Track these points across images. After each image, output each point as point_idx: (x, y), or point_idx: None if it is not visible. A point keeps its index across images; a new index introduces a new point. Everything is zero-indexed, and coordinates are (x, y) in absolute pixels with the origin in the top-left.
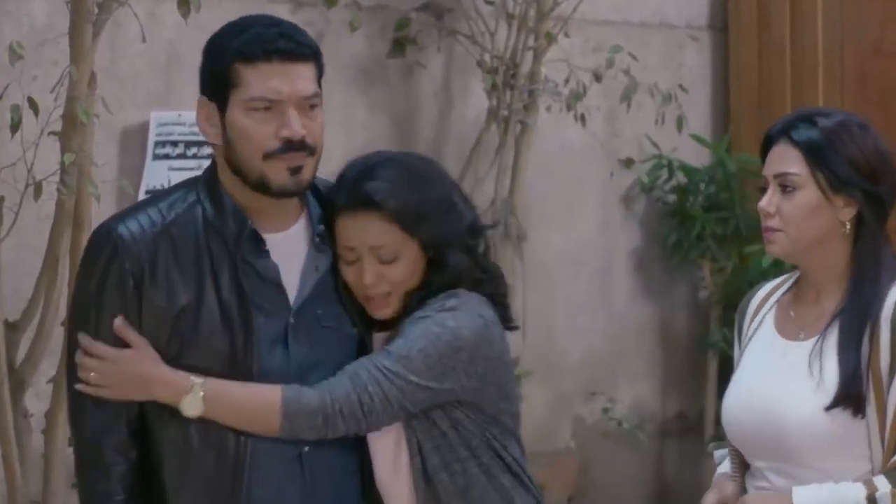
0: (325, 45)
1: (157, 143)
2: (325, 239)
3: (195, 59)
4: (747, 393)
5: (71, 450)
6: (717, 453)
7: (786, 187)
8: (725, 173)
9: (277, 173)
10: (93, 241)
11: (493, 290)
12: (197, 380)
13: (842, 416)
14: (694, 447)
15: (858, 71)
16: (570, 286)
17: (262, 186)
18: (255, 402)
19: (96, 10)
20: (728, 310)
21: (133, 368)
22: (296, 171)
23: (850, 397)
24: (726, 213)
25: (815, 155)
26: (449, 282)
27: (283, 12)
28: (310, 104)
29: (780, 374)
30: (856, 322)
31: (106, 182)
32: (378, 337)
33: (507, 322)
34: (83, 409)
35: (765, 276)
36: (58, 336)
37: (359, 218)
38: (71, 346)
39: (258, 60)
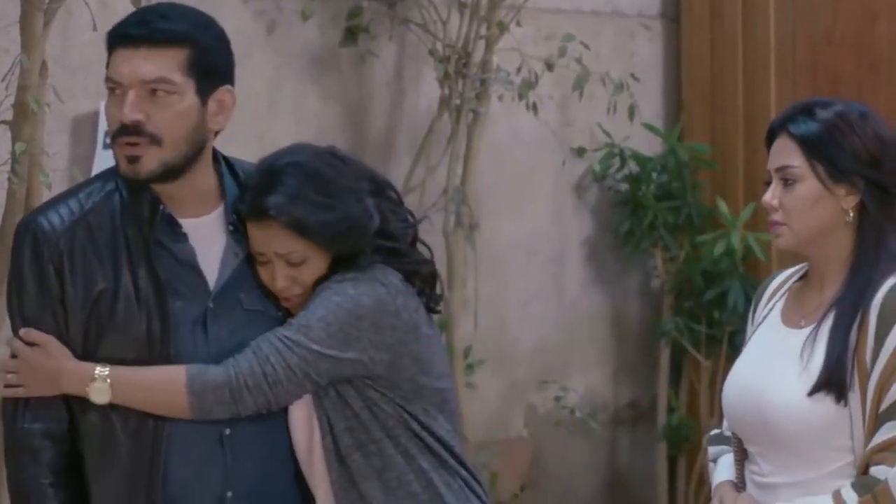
0: (276, 34)
1: (107, 133)
2: (238, 228)
3: None
4: (743, 378)
5: None
6: (712, 450)
7: (787, 180)
8: (677, 162)
9: (120, 159)
10: (16, 234)
11: (411, 267)
12: (103, 369)
13: (824, 402)
14: (646, 435)
15: (810, 60)
16: (522, 275)
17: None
18: (163, 384)
19: None
20: (680, 298)
21: (42, 363)
22: (132, 160)
23: (831, 383)
24: (678, 202)
25: (812, 147)
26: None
27: (235, 1)
28: (153, 88)
29: (774, 361)
30: (848, 309)
31: (57, 171)
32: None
33: (430, 304)
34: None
35: (717, 264)
36: (7, 325)
37: (262, 227)
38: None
39: (116, 44)
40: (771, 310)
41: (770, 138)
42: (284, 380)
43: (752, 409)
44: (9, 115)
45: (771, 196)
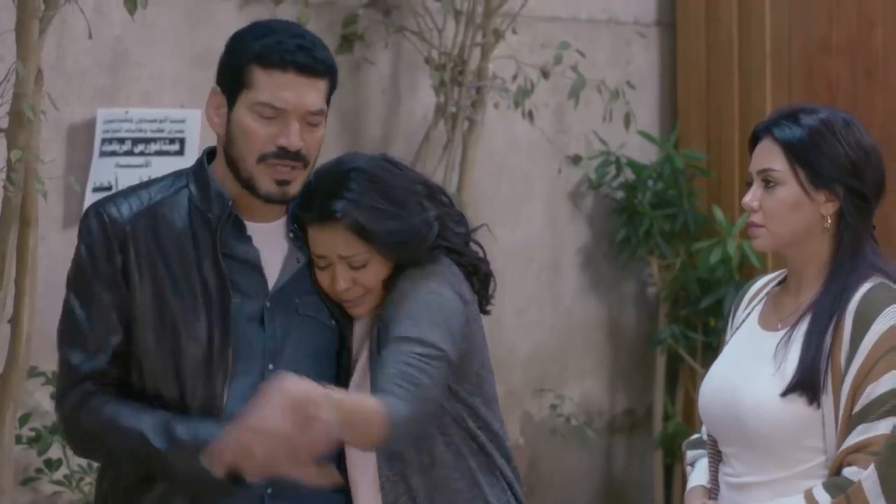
0: None
1: (103, 140)
2: (298, 236)
3: (142, 56)
4: (718, 379)
5: (19, 448)
6: (690, 454)
7: (768, 182)
8: (673, 170)
9: (266, 181)
10: (83, 221)
11: (470, 265)
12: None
13: (797, 403)
14: (642, 443)
15: (806, 67)
16: (518, 282)
17: (249, 186)
18: (361, 415)
19: (43, 7)
20: (676, 306)
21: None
22: (283, 183)
23: (805, 385)
24: (674, 210)
25: (795, 151)
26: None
27: (231, 8)
28: (314, 120)
29: (748, 362)
30: (824, 313)
31: (53, 179)
32: (359, 325)
33: (483, 303)
34: (63, 338)
35: (712, 272)
36: (4, 334)
37: (326, 230)
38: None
39: (273, 67)
40: (749, 314)
41: (754, 141)
42: (432, 386)
43: (726, 409)
44: (4, 123)
45: (751, 198)
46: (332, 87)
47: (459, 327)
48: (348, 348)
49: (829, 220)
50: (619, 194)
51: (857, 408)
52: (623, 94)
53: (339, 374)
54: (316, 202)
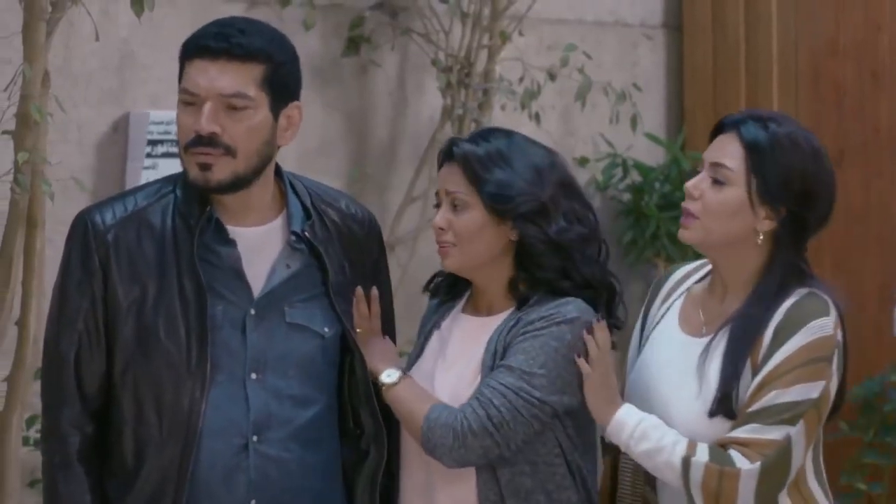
0: None
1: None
2: (300, 238)
3: (148, 58)
4: (645, 389)
5: (25, 450)
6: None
7: (717, 179)
8: (680, 172)
9: (191, 167)
10: (70, 227)
11: (596, 298)
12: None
13: (722, 422)
14: None
15: (813, 71)
16: None
17: (186, 177)
18: (412, 410)
19: (50, 9)
20: None
21: None
22: (204, 167)
23: (725, 407)
24: (681, 212)
25: (755, 158)
26: (542, 278)
27: (237, 10)
28: (231, 103)
29: (674, 374)
30: (746, 333)
31: (59, 181)
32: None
33: (611, 320)
34: (45, 381)
35: None
36: (11, 336)
37: (446, 167)
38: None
39: (193, 55)
40: (668, 309)
41: (717, 131)
42: (510, 420)
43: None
44: (11, 125)
45: (694, 185)
46: (268, 74)
47: (579, 379)
48: (356, 354)
49: (762, 237)
50: (626, 196)
51: (755, 406)
52: (630, 97)
53: (346, 380)
54: (450, 143)
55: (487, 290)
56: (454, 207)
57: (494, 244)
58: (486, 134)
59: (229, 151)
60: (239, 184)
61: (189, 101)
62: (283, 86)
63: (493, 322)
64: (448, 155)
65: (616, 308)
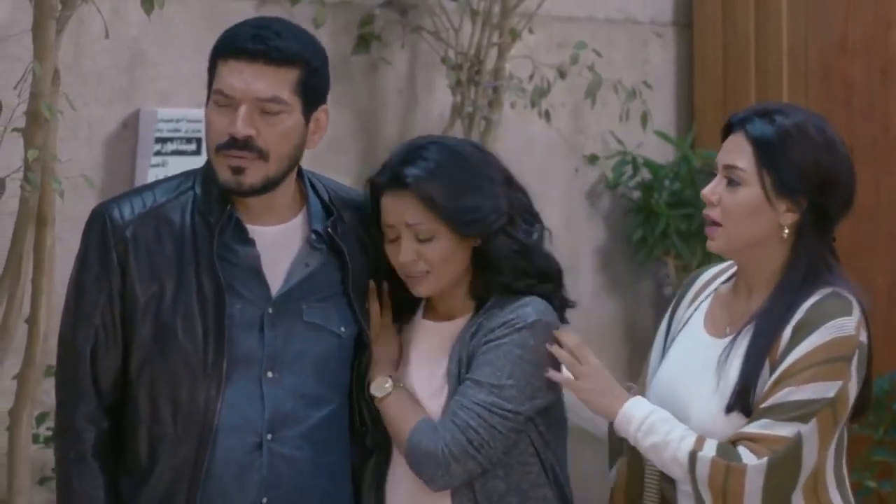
0: None
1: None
2: (322, 239)
3: (158, 56)
4: (664, 389)
5: (35, 448)
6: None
7: (731, 180)
8: (690, 170)
9: (222, 169)
10: (88, 221)
11: (542, 268)
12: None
13: (739, 419)
14: None
15: (823, 68)
16: None
17: (215, 178)
18: (398, 421)
19: (60, 7)
20: None
21: None
22: (237, 171)
23: (743, 402)
24: (691, 210)
25: (764, 154)
26: (503, 282)
27: (247, 8)
28: (266, 108)
29: (695, 373)
30: (768, 329)
31: (69, 178)
32: (437, 332)
33: (563, 303)
34: (60, 376)
35: None
36: (22, 333)
37: (395, 197)
38: (65, 328)
39: (227, 56)
40: (695, 311)
41: (727, 131)
42: (489, 439)
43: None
44: (21, 123)
45: (711, 191)
46: (302, 79)
47: (549, 382)
48: (367, 352)
49: (787, 231)
50: (636, 194)
51: (768, 403)
52: (640, 94)
53: (356, 380)
54: (389, 168)
55: (447, 296)
56: (418, 239)
57: (464, 259)
58: (419, 152)
59: (262, 155)
60: (269, 187)
61: (223, 102)
62: (315, 90)
63: (454, 327)
64: (395, 184)
65: (565, 289)
